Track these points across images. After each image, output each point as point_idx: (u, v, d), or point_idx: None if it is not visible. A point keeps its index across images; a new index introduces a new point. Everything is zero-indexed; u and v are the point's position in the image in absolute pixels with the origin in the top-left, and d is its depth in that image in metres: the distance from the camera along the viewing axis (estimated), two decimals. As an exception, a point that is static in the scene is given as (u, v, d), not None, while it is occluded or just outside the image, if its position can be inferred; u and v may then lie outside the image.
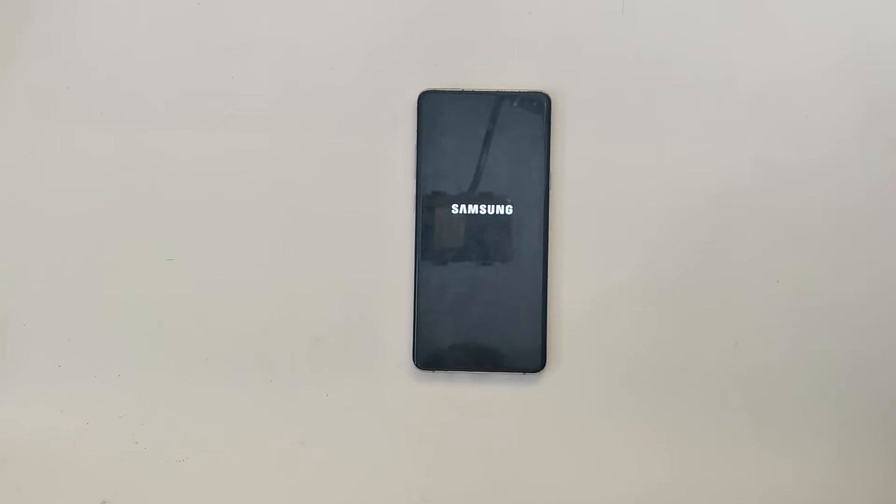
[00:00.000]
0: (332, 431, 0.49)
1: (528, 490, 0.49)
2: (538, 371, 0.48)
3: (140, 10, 0.49)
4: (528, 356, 0.48)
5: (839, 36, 0.48)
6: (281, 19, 0.49)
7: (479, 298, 0.48)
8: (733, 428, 0.49)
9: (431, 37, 0.49)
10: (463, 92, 0.48)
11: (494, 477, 0.49)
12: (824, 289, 0.48)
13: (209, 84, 0.49)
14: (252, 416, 0.49)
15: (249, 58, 0.49)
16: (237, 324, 0.49)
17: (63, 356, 0.49)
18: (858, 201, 0.48)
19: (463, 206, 0.48)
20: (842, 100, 0.48)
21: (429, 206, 0.48)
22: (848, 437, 0.49)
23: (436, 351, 0.48)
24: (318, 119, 0.49)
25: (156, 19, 0.49)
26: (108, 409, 0.49)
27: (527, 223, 0.48)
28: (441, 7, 0.49)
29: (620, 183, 0.48)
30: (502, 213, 0.48)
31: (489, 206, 0.48)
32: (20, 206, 0.49)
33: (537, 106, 0.48)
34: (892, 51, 0.48)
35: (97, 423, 0.49)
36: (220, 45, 0.49)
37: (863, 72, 0.48)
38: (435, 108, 0.48)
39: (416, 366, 0.48)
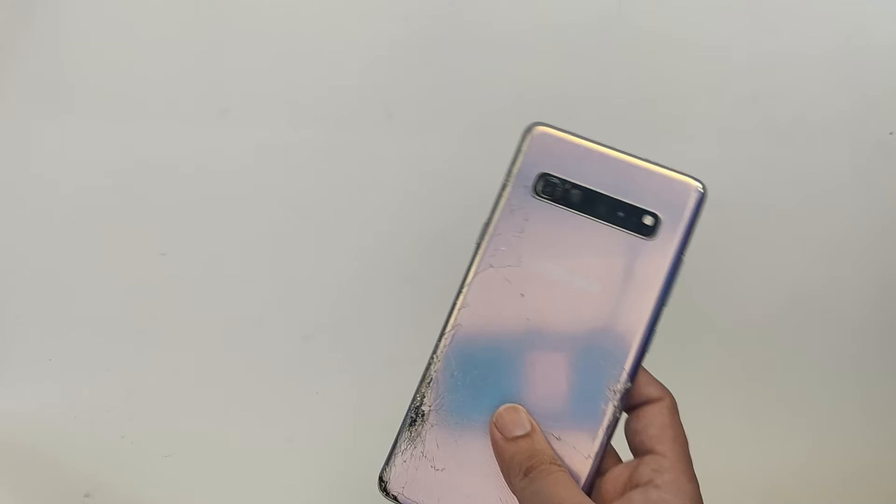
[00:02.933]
0: (320, 429, 0.48)
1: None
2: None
3: (139, 11, 0.49)
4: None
5: (832, 40, 0.48)
6: (280, 19, 0.49)
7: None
8: (729, 424, 0.49)
9: (427, 39, 0.49)
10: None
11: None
12: (817, 288, 0.47)
13: (205, 80, 0.49)
14: (240, 413, 0.49)
15: (246, 55, 0.49)
16: (227, 320, 0.49)
17: (54, 350, 0.49)
18: (850, 201, 0.47)
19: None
20: (834, 103, 0.48)
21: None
22: (843, 433, 0.49)
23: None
24: (313, 116, 0.49)
25: (154, 19, 0.49)
26: (96, 403, 0.49)
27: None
28: (441, 6, 0.49)
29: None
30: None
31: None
32: (14, 200, 0.49)
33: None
34: (884, 55, 0.47)
35: (85, 416, 0.49)
36: (217, 43, 0.49)
37: (855, 75, 0.48)
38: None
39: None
